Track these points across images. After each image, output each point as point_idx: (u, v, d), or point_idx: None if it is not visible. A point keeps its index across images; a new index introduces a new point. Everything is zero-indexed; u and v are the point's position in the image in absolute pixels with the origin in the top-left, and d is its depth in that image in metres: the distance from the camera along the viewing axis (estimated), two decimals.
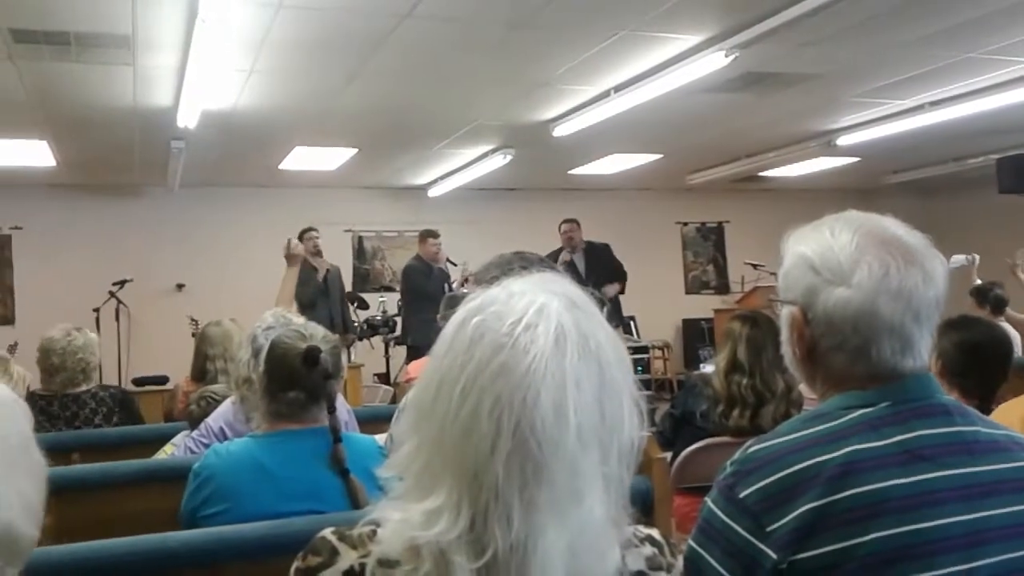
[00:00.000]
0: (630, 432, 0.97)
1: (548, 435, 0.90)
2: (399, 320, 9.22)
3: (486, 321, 0.95)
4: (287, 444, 2.26)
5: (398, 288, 10.80)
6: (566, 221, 8.39)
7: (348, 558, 0.99)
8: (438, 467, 0.93)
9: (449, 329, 0.98)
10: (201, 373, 3.94)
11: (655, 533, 1.11)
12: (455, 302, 1.04)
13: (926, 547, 1.18)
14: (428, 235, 8.30)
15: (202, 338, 4.07)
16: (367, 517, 1.01)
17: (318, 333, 2.39)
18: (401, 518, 0.94)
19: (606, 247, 8.52)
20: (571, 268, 8.03)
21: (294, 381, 2.27)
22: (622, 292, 8.30)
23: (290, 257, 5.22)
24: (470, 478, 0.90)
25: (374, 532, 1.00)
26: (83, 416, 3.86)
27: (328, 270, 8.06)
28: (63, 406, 3.84)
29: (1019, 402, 2.62)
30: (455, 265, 7.93)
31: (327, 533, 1.03)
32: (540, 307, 0.95)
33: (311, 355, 2.26)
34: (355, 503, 2.15)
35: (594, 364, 0.95)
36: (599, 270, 8.11)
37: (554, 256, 8.16)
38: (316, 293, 7.82)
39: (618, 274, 8.28)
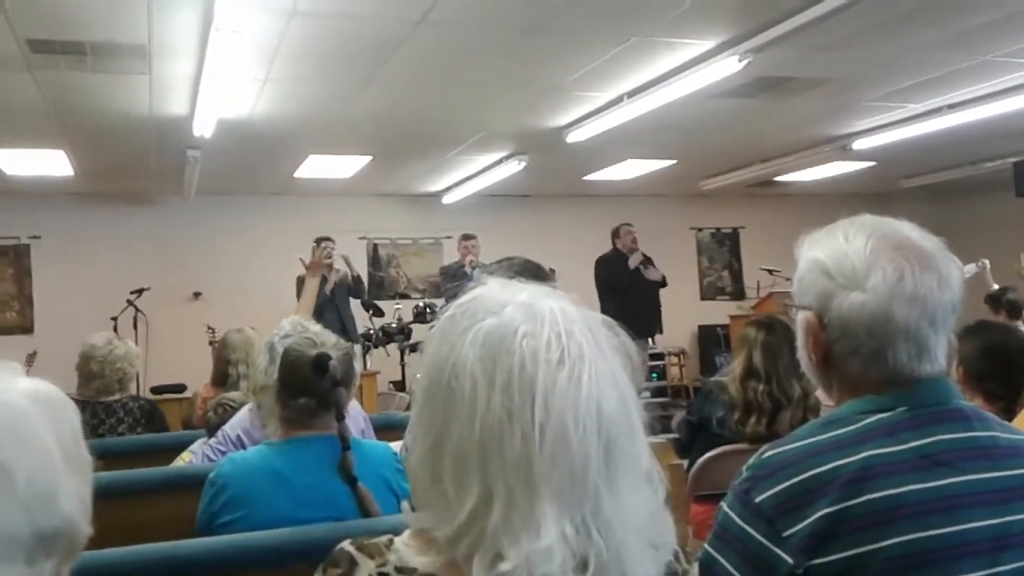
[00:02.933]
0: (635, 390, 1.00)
1: (623, 425, 0.93)
2: (414, 328, 9.24)
3: (528, 342, 0.93)
4: (301, 451, 2.28)
5: (413, 295, 10.85)
6: (629, 224, 8.59)
7: (366, 568, 1.00)
8: (528, 502, 0.89)
9: (474, 360, 0.94)
10: (222, 379, 3.97)
11: None
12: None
13: (945, 553, 1.18)
14: (462, 237, 8.47)
15: (223, 344, 4.10)
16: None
17: (329, 340, 2.41)
18: (504, 571, 0.88)
19: (648, 257, 8.72)
20: (638, 272, 8.19)
21: (304, 388, 2.29)
22: (664, 285, 8.60)
23: (313, 266, 5.23)
24: (569, 498, 0.89)
25: (391, 541, 1.01)
26: (108, 425, 3.89)
27: (336, 283, 8.05)
28: (92, 413, 3.86)
29: None
30: (475, 268, 7.97)
31: (346, 544, 1.04)
32: (562, 312, 0.96)
33: (320, 362, 2.27)
34: (364, 511, 2.16)
35: (610, 344, 0.98)
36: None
37: (613, 259, 8.32)
38: (322, 303, 7.86)
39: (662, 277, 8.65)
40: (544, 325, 0.94)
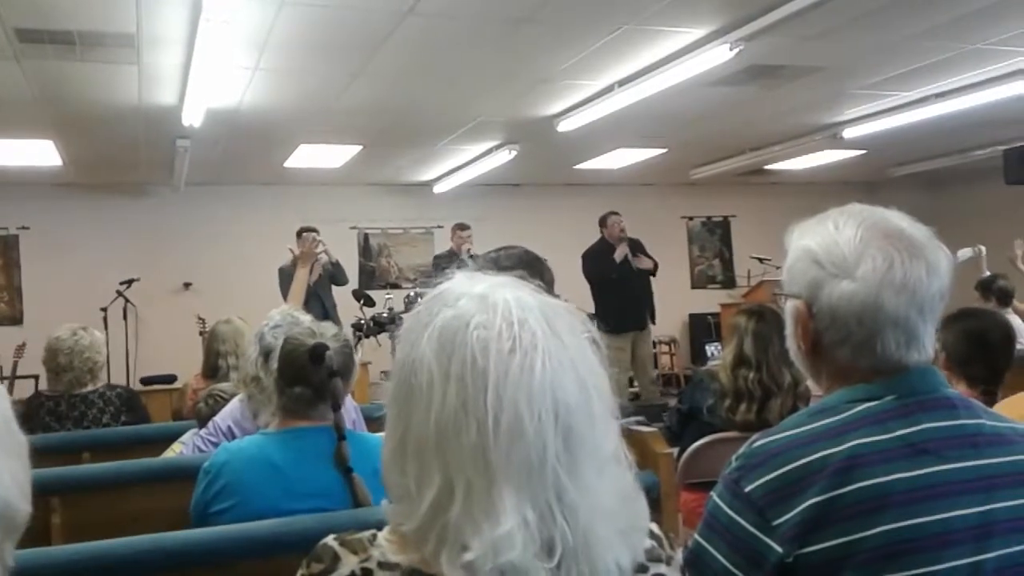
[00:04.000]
0: (606, 376, 1.00)
1: (583, 411, 0.93)
2: (406, 318, 9.22)
3: (479, 333, 0.94)
4: (297, 441, 2.28)
5: (404, 285, 10.83)
6: (616, 213, 8.37)
7: (349, 563, 1.00)
8: (486, 491, 0.90)
9: (430, 355, 0.95)
10: (212, 370, 3.96)
11: (653, 526, 1.11)
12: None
13: (932, 540, 1.19)
14: (457, 227, 8.38)
15: (213, 335, 4.09)
16: None
17: (328, 332, 2.41)
18: (468, 561, 0.89)
19: (639, 242, 8.55)
20: (626, 263, 8.11)
21: (301, 377, 2.30)
22: (654, 274, 8.41)
23: (303, 256, 5.22)
24: (528, 486, 0.90)
25: (375, 536, 1.02)
26: (91, 416, 3.86)
27: (320, 274, 8.02)
28: (71, 406, 3.84)
29: None
30: (473, 258, 7.87)
31: (329, 540, 1.04)
32: (517, 301, 0.96)
33: (317, 352, 2.28)
34: (357, 501, 2.17)
35: (571, 331, 0.98)
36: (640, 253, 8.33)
37: (599, 250, 8.24)
38: (307, 294, 7.83)
39: (654, 262, 8.47)
40: (497, 315, 0.94)
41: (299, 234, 7.50)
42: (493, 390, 0.91)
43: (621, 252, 8.12)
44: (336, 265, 7.77)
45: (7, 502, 1.02)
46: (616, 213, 8.39)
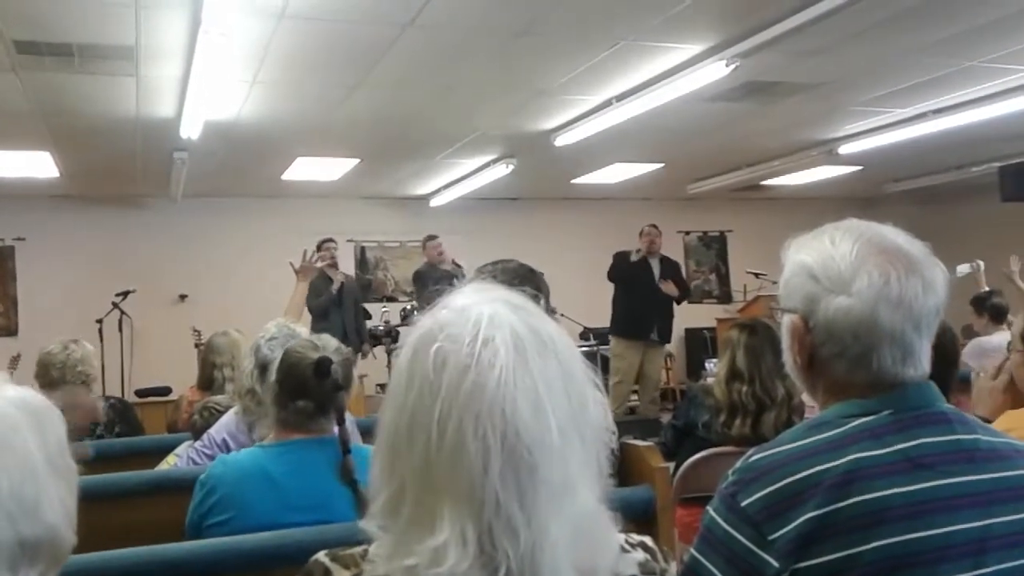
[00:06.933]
0: (594, 410, 0.99)
1: (534, 438, 0.91)
2: (402, 331, 9.22)
3: (444, 346, 0.94)
4: (294, 454, 2.27)
5: (400, 298, 10.83)
6: (654, 226, 8.51)
7: None
8: (431, 502, 0.91)
9: (404, 361, 0.97)
10: (208, 382, 3.95)
11: (647, 540, 1.11)
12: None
13: (928, 555, 1.18)
14: (428, 239, 8.50)
15: (209, 347, 4.08)
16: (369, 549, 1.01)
17: (331, 345, 2.40)
18: (409, 565, 0.91)
19: (677, 264, 8.75)
20: (646, 267, 8.22)
21: (304, 391, 2.29)
22: (679, 302, 8.47)
23: (302, 270, 5.21)
24: (469, 503, 0.90)
25: (366, 551, 1.01)
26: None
27: (343, 282, 8.07)
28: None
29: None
30: (459, 267, 7.89)
31: (321, 555, 1.05)
32: (491, 318, 0.95)
33: (322, 366, 2.27)
34: (363, 514, 2.16)
35: (552, 357, 0.96)
36: (670, 277, 8.43)
37: (626, 254, 8.35)
38: (329, 304, 7.87)
39: (685, 288, 8.62)
40: (465, 330, 0.94)
41: (319, 247, 7.59)
42: (442, 404, 0.91)
43: (637, 255, 8.24)
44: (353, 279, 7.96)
45: (57, 531, 1.00)
46: (654, 226, 8.50)
